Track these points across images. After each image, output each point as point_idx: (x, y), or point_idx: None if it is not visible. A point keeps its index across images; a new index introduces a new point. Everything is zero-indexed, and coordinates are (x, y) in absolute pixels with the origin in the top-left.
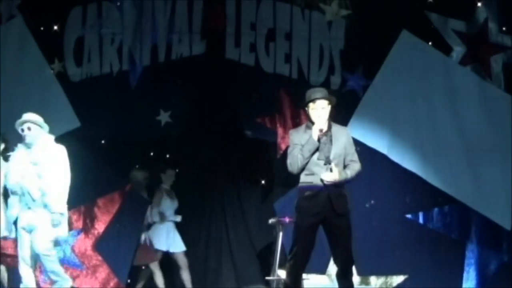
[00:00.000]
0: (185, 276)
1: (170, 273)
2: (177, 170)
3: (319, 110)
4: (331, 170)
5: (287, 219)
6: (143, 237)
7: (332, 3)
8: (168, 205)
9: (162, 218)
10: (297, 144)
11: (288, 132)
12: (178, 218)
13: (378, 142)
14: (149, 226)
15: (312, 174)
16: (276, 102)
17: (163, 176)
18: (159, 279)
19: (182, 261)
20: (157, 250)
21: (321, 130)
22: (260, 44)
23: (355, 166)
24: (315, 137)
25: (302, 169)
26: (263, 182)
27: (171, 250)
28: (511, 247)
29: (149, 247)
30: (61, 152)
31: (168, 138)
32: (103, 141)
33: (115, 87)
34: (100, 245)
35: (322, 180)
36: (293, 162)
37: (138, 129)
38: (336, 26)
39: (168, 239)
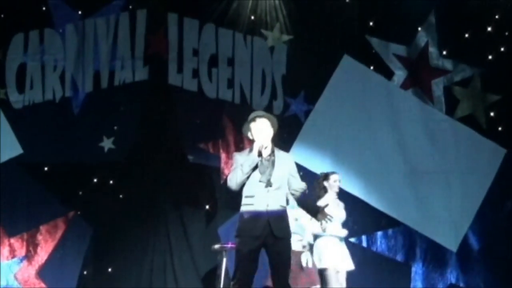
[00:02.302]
0: None
1: None
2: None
3: (261, 128)
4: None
5: (229, 245)
6: (304, 258)
7: (273, 29)
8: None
9: (325, 231)
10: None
11: (231, 157)
12: (343, 233)
13: (321, 166)
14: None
15: (252, 196)
16: (219, 128)
17: (327, 183)
18: None
19: (343, 283)
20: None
21: (262, 146)
22: (202, 70)
23: (303, 186)
24: (256, 152)
25: (242, 185)
26: (207, 207)
27: (337, 269)
28: (457, 269)
29: (311, 268)
30: None
31: (112, 164)
32: (46, 168)
33: (58, 113)
34: (43, 273)
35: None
36: (233, 177)
37: (81, 155)
38: (278, 51)
39: (333, 255)
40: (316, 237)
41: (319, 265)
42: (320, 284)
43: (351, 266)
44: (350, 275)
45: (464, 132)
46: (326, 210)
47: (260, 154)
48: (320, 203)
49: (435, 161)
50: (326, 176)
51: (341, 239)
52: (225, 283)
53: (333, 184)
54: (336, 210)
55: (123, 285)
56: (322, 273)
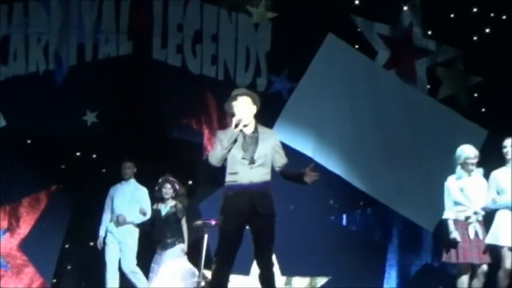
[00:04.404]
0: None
1: None
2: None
3: (239, 107)
4: None
5: (213, 222)
6: (472, 230)
7: (258, 6)
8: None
9: (495, 202)
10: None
11: (214, 134)
12: None
13: (303, 144)
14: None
15: (236, 173)
16: (202, 104)
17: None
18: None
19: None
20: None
21: (239, 119)
22: (187, 46)
23: (286, 162)
24: (233, 126)
25: (223, 161)
26: (190, 182)
27: (501, 243)
28: (432, 249)
29: (479, 241)
30: None
31: (94, 138)
32: (29, 141)
33: (41, 86)
34: (25, 245)
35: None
36: (213, 153)
37: (64, 129)
38: (263, 29)
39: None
40: (486, 209)
41: (494, 241)
42: (490, 260)
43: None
44: (327, 253)
45: (446, 113)
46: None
47: (236, 126)
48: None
49: (416, 141)
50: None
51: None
52: (206, 259)
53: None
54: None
55: (104, 259)
56: (496, 250)
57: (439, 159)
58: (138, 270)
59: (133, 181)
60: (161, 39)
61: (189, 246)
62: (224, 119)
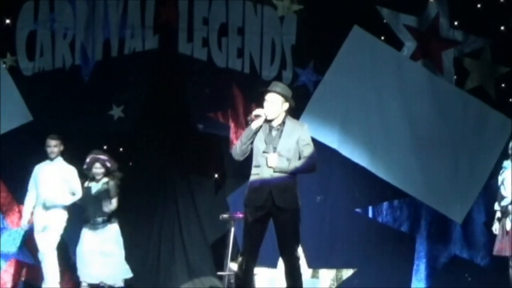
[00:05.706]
0: None
1: None
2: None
3: (268, 102)
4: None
5: (240, 215)
6: (508, 223)
7: None
8: None
9: None
10: None
11: (240, 127)
12: None
13: (329, 137)
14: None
15: (259, 166)
16: (228, 97)
17: None
18: None
19: None
20: None
21: (256, 116)
22: (212, 39)
23: (303, 160)
24: (250, 122)
25: (244, 155)
26: (216, 176)
27: None
28: (461, 241)
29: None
30: None
31: (121, 133)
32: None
33: (67, 81)
34: None
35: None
36: (234, 147)
37: (90, 123)
38: (288, 21)
39: None
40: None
41: None
42: None
43: None
44: (353, 246)
45: (473, 104)
46: None
47: (248, 124)
48: None
49: (443, 132)
50: None
51: None
52: (234, 252)
53: None
54: None
55: (131, 254)
56: None
57: (467, 149)
58: (53, 252)
59: (59, 160)
60: (186, 33)
61: (215, 240)
62: (250, 112)
